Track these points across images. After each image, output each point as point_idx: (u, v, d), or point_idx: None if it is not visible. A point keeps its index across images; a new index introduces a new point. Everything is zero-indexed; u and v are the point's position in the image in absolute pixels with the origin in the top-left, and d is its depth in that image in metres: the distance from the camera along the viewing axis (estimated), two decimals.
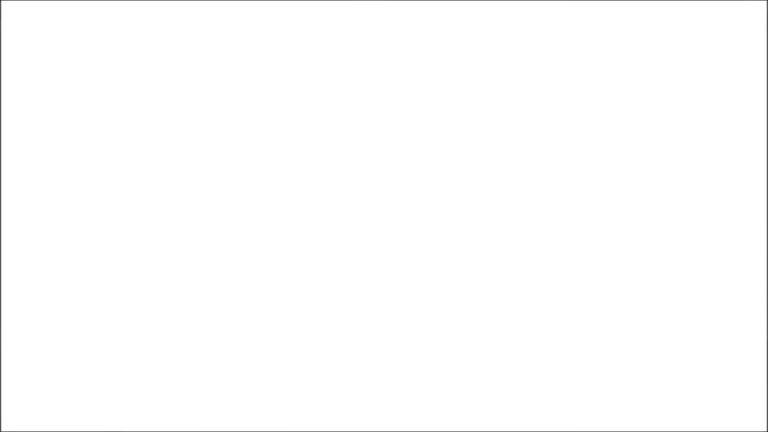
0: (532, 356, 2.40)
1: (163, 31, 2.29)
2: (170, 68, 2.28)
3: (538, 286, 2.46)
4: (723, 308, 2.23)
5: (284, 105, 2.49)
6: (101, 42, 2.25)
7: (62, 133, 2.33)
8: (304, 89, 2.41)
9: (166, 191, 2.31)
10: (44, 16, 2.18)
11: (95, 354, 2.17)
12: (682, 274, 2.27)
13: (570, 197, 2.39)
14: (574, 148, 2.40)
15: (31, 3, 2.21)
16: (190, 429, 2.24)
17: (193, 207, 2.33)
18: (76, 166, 2.30)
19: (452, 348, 2.62)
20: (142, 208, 2.28)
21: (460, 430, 2.31)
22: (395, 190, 2.84)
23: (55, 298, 2.20)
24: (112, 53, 2.28)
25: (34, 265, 2.18)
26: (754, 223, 2.29)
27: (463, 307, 2.64)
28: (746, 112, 2.28)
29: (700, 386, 2.25)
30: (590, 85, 2.36)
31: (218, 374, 2.36)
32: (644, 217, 2.37)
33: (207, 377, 2.31)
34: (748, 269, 2.28)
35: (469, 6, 2.33)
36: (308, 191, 2.62)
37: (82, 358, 2.15)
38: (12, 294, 2.28)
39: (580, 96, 2.36)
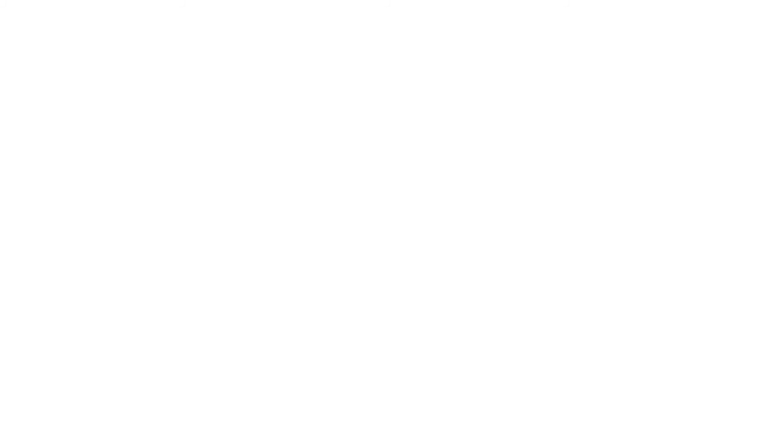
0: (532, 357, 2.38)
1: (162, 31, 2.29)
2: (169, 68, 2.27)
3: (538, 286, 2.44)
4: (725, 308, 2.21)
5: (284, 105, 2.47)
6: (100, 42, 2.24)
7: (61, 132, 2.31)
8: (303, 89, 2.40)
9: (166, 191, 2.30)
10: (44, 16, 2.17)
11: (94, 354, 2.15)
12: (683, 274, 2.26)
13: (570, 197, 2.38)
14: (574, 148, 2.39)
15: (31, 3, 2.21)
16: (190, 429, 2.24)
17: (193, 207, 2.32)
18: (75, 166, 2.29)
19: (451, 349, 2.60)
20: (142, 209, 2.27)
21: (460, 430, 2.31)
22: (395, 190, 2.83)
23: (53, 299, 2.19)
24: (111, 53, 2.27)
25: (33, 265, 2.17)
26: (755, 223, 2.28)
27: (462, 307, 2.63)
28: (747, 112, 2.27)
29: (701, 387, 2.25)
30: (590, 85, 2.34)
31: (218, 375, 2.34)
32: (645, 218, 2.36)
33: (207, 378, 2.29)
34: (750, 269, 2.27)
35: (468, 6, 2.32)
36: (308, 191, 2.61)
37: (81, 359, 2.14)
38: (11, 294, 2.28)
39: (580, 96, 2.35)
